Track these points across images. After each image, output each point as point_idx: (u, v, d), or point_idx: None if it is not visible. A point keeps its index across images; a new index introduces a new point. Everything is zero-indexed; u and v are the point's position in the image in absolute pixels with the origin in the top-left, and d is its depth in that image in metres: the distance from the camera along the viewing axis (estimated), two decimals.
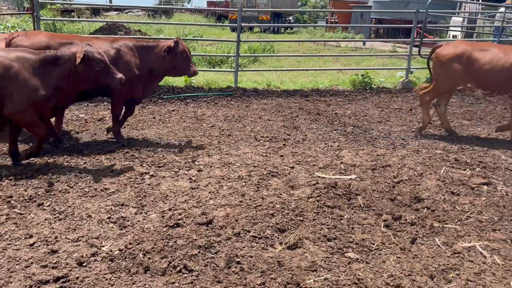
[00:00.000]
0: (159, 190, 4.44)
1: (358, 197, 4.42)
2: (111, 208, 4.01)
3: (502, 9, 14.72)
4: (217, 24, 23.50)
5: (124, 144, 5.84)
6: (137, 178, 4.72)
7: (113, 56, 5.56)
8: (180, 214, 3.89)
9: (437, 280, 3.09)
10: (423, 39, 11.03)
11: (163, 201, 4.20)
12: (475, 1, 17.29)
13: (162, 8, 24.11)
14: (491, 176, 5.08)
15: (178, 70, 6.06)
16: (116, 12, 26.99)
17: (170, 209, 4.00)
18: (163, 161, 5.24)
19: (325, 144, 6.28)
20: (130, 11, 28.68)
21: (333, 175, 5.01)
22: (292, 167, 5.22)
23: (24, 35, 5.65)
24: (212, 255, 3.26)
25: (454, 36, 18.28)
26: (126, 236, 3.52)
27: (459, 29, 17.43)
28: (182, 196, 4.32)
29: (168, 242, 3.39)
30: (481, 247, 3.52)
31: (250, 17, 27.56)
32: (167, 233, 3.54)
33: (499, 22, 13.05)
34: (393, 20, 23.15)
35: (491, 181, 4.91)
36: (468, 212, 4.13)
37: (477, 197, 4.48)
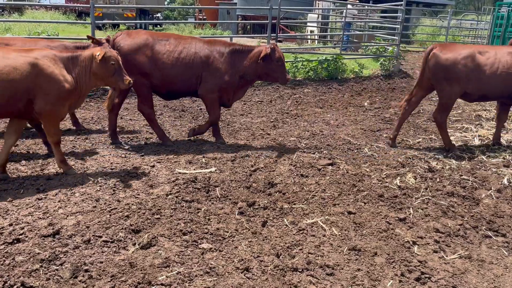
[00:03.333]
0: None
1: (217, 188, 4.54)
2: None
3: (349, 6, 16.35)
4: (75, 21, 21.90)
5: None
6: None
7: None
8: (22, 228, 3.57)
9: (282, 257, 3.33)
10: (284, 34, 11.72)
11: (2, 217, 3.80)
12: None
13: (9, 5, 21.67)
14: (336, 157, 5.63)
15: (271, 77, 5.98)
16: None
17: (10, 224, 3.64)
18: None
19: (188, 139, 6.31)
20: None
21: (194, 169, 5.06)
22: (153, 166, 5.15)
23: None
24: (57, 267, 3.06)
25: (311, 31, 19.75)
26: None
27: (315, 24, 18.88)
28: (27, 208, 3.96)
29: (4, 261, 3.09)
30: (322, 222, 3.89)
31: (114, 14, 26.26)
32: (5, 251, 3.22)
33: (346, 17, 14.47)
34: (257, 17, 24.15)
35: (335, 161, 5.44)
36: (313, 191, 4.53)
37: (323, 177, 4.93)
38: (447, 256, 3.46)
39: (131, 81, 4.73)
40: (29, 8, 25.10)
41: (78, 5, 24.96)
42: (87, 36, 6.35)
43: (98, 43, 5.72)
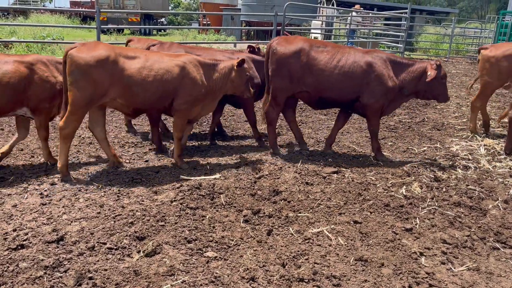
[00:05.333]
0: (2, 210, 3.98)
1: (221, 195, 4.51)
2: None
3: (354, 13, 16.39)
4: (80, 26, 21.99)
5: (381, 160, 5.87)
6: None
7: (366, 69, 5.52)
8: (26, 234, 3.55)
9: (288, 267, 3.29)
10: None
11: (6, 222, 3.78)
12: (330, 6, 18.95)
13: (14, 9, 21.75)
14: (341, 164, 5.60)
15: (430, 94, 5.73)
16: None
17: (14, 230, 3.62)
18: (9, 177, 4.72)
19: (192, 145, 6.29)
20: None
21: (198, 176, 5.03)
22: (157, 172, 5.13)
23: None
24: (61, 274, 3.03)
25: (315, 38, 19.82)
26: None
27: (319, 31, 18.94)
28: (31, 214, 3.94)
29: (8, 267, 3.06)
30: (328, 231, 3.85)
31: (118, 18, 26.41)
32: (9, 257, 3.20)
33: (351, 24, 14.52)
34: (261, 23, 24.22)
35: (340, 169, 5.41)
36: (319, 199, 4.49)
37: (328, 185, 4.90)
38: (455, 268, 3.42)
39: (253, 92, 5.50)
40: (34, 12, 25.23)
41: (83, 9, 25.11)
42: (248, 46, 7.01)
43: (252, 47, 6.69)
